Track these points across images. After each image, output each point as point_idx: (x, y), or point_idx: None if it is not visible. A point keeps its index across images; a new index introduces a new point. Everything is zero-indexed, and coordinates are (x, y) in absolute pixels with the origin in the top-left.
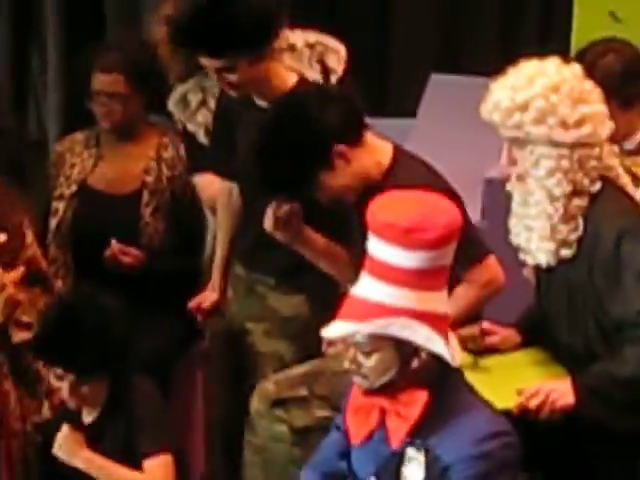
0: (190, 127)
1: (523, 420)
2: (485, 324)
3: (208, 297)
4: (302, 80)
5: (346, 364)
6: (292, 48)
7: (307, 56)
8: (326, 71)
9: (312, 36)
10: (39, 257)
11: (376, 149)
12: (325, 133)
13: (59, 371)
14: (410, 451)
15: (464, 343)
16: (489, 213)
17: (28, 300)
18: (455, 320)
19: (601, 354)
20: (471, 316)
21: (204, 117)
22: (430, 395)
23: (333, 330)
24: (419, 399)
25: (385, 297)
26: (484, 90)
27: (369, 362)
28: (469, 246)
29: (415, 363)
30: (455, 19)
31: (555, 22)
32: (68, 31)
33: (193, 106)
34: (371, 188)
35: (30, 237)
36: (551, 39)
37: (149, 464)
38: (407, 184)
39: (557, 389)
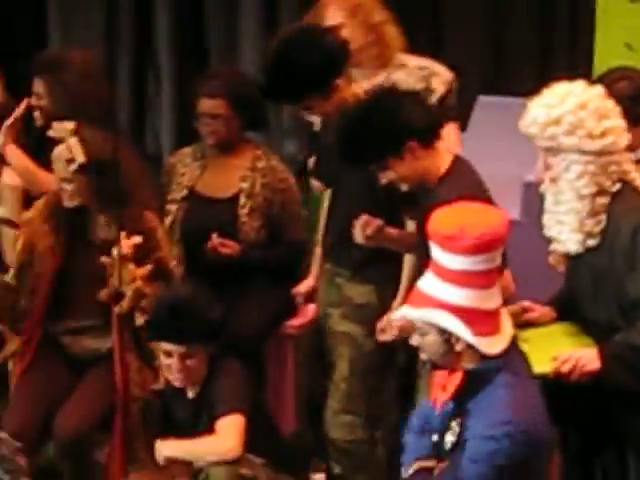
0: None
1: (558, 383)
2: (526, 303)
3: (306, 283)
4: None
5: (413, 341)
6: (404, 66)
7: (416, 74)
8: (427, 89)
9: (424, 61)
10: (169, 258)
11: (440, 156)
12: (404, 127)
13: (169, 347)
14: (454, 423)
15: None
16: (527, 211)
17: (152, 293)
18: None
19: (621, 327)
20: None
21: None
22: (466, 375)
23: (397, 314)
24: (457, 378)
25: (435, 290)
26: (522, 109)
27: (424, 341)
28: None
29: (458, 347)
30: (497, 49)
31: (580, 52)
32: (178, 60)
33: None
34: (425, 189)
35: (164, 241)
36: (577, 66)
37: (219, 424)
38: (454, 193)
39: (585, 356)
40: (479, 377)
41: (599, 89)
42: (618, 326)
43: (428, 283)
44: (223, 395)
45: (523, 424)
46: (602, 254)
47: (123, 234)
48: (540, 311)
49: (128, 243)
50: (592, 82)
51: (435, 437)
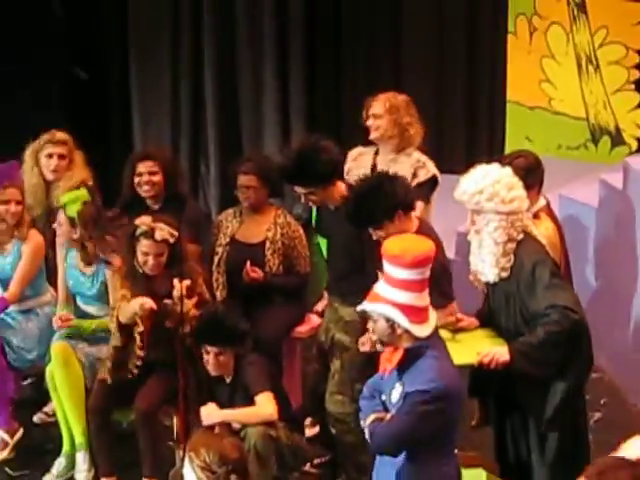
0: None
1: (480, 370)
2: (458, 315)
3: (320, 304)
4: (349, 185)
5: (369, 325)
6: (409, 155)
7: (412, 163)
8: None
9: (423, 157)
10: (205, 292)
11: (412, 222)
12: (395, 200)
13: (207, 348)
14: (397, 384)
15: (446, 327)
16: (459, 252)
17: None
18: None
19: (524, 332)
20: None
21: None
22: (405, 352)
23: (360, 306)
24: (399, 353)
25: (385, 292)
26: (455, 183)
27: (376, 326)
28: (440, 293)
29: (398, 331)
30: (438, 140)
31: (496, 141)
32: (221, 149)
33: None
34: None
35: (201, 282)
36: (493, 151)
37: (258, 399)
38: None
39: (499, 352)
40: (414, 353)
41: (508, 170)
42: (522, 332)
43: (381, 287)
44: (254, 379)
45: (444, 383)
46: (511, 282)
47: (176, 281)
48: (468, 320)
49: (183, 285)
50: (504, 163)
51: (384, 396)
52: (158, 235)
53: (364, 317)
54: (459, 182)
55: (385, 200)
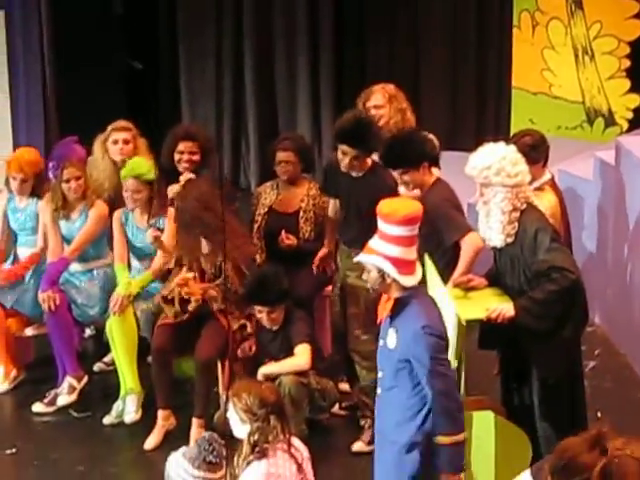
0: None
1: (490, 323)
2: (469, 275)
3: (322, 252)
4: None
5: (363, 275)
6: None
7: None
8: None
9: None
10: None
11: (431, 175)
12: (422, 150)
13: (259, 308)
14: (391, 329)
15: (458, 286)
16: (469, 221)
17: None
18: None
19: (527, 291)
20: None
21: None
22: (396, 301)
23: (356, 258)
24: (391, 302)
25: (379, 247)
26: (465, 159)
27: (369, 275)
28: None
29: (388, 280)
30: (451, 124)
31: (503, 124)
32: (260, 128)
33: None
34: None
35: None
36: (501, 131)
37: (297, 349)
38: (431, 199)
39: (506, 308)
40: (403, 301)
41: (512, 147)
42: (525, 290)
43: (375, 242)
44: (297, 332)
45: (431, 324)
46: (516, 247)
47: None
48: (478, 280)
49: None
50: (509, 142)
51: (381, 341)
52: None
53: None
54: (469, 159)
55: (415, 149)
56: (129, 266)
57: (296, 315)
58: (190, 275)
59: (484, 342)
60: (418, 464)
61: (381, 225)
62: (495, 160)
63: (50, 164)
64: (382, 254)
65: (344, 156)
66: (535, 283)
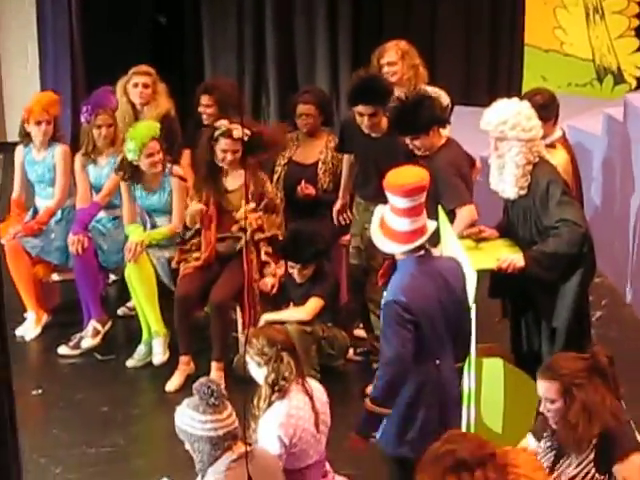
0: None
1: (501, 273)
2: (481, 227)
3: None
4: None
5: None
6: (425, 90)
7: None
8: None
9: (435, 89)
10: (275, 197)
11: (441, 137)
12: (432, 115)
13: (291, 264)
14: (385, 293)
15: (470, 237)
16: (483, 172)
17: (265, 220)
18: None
19: (537, 242)
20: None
21: None
22: (392, 263)
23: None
24: (387, 267)
25: (388, 220)
26: (479, 115)
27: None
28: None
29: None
30: (465, 80)
31: (515, 80)
32: (280, 82)
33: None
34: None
35: (269, 188)
36: (512, 89)
37: (308, 302)
38: (437, 162)
39: (516, 258)
40: (398, 265)
41: (526, 103)
42: (536, 241)
43: (387, 215)
44: (317, 287)
45: (406, 296)
46: (528, 198)
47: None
48: (489, 231)
49: (248, 207)
50: (521, 97)
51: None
52: (236, 134)
53: None
54: (484, 114)
55: (424, 115)
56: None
57: (325, 274)
58: (200, 206)
59: (494, 291)
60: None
61: (389, 197)
62: (511, 115)
63: (84, 108)
64: (390, 230)
65: (362, 117)
66: (546, 235)
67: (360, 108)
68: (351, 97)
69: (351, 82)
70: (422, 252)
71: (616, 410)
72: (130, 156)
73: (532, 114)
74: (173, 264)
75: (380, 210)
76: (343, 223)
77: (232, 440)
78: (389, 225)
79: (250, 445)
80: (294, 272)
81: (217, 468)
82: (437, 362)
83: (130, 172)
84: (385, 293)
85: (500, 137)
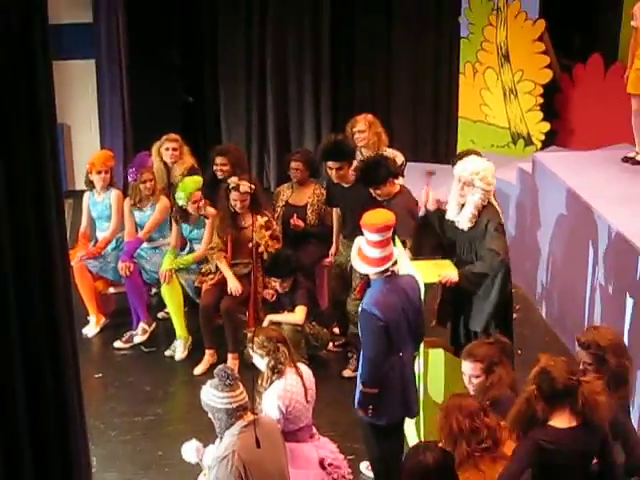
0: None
1: (443, 285)
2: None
3: (332, 248)
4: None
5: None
6: (385, 151)
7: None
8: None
9: (394, 151)
10: (277, 229)
11: (396, 186)
12: (387, 171)
13: (275, 279)
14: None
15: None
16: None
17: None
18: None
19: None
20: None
21: None
22: (367, 281)
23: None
24: (363, 284)
25: (365, 251)
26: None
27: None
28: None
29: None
30: (415, 141)
31: (452, 143)
32: (278, 145)
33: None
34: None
35: (273, 222)
36: (450, 148)
37: (297, 308)
38: (397, 202)
39: (452, 274)
40: (372, 283)
41: (491, 165)
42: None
43: (364, 247)
44: (298, 296)
45: (375, 306)
46: (474, 231)
47: (257, 218)
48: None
49: (261, 221)
50: (456, 155)
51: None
52: (242, 188)
53: None
54: (459, 164)
55: (381, 171)
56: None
57: (300, 284)
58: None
59: (439, 320)
60: None
61: (365, 232)
62: (481, 169)
63: (130, 170)
64: (361, 252)
65: (331, 170)
66: (478, 258)
67: (329, 163)
68: (322, 156)
69: (323, 145)
70: (389, 273)
71: (514, 382)
72: (180, 202)
73: (492, 172)
74: (196, 283)
75: (358, 241)
76: (330, 256)
77: (243, 411)
78: (365, 253)
79: (257, 414)
80: (276, 285)
81: (232, 431)
82: (400, 354)
83: (180, 214)
84: (361, 304)
85: (468, 182)
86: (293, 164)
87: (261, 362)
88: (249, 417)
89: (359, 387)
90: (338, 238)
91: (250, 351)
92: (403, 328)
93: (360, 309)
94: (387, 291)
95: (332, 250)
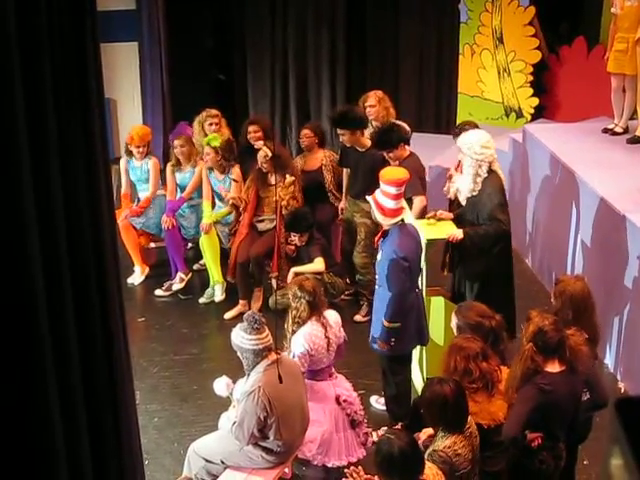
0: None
1: (450, 241)
2: (439, 212)
3: (341, 204)
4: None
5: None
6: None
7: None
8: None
9: (401, 122)
10: (297, 190)
11: (405, 150)
12: (399, 136)
13: (292, 233)
14: (380, 250)
15: (432, 218)
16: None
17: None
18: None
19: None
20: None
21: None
22: (384, 231)
23: (368, 197)
24: (382, 234)
25: (379, 198)
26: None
27: (373, 214)
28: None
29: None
30: (419, 113)
31: (452, 116)
32: (298, 118)
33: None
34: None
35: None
36: (451, 121)
37: (315, 260)
38: (407, 165)
39: (457, 232)
40: (388, 232)
41: (484, 135)
42: (476, 224)
43: (378, 195)
44: (314, 250)
45: (398, 248)
46: (477, 197)
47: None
48: (445, 215)
49: (289, 179)
50: (455, 126)
51: (378, 256)
52: (261, 152)
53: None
54: (459, 138)
55: (394, 136)
56: (213, 205)
57: (315, 239)
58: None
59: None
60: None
61: (382, 185)
62: (472, 141)
63: (170, 137)
64: (379, 204)
65: (342, 136)
66: (482, 223)
67: (338, 130)
68: (331, 124)
69: (333, 113)
70: (401, 222)
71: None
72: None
73: (489, 142)
74: (229, 245)
75: (371, 200)
76: (340, 212)
77: (268, 351)
78: (383, 206)
79: (279, 354)
80: (295, 239)
81: (257, 369)
82: (417, 290)
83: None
84: (383, 253)
85: (464, 153)
86: (303, 131)
87: (292, 306)
88: (272, 357)
89: (379, 327)
90: (347, 196)
91: (285, 296)
92: (417, 266)
93: (387, 257)
94: (404, 236)
95: (341, 205)
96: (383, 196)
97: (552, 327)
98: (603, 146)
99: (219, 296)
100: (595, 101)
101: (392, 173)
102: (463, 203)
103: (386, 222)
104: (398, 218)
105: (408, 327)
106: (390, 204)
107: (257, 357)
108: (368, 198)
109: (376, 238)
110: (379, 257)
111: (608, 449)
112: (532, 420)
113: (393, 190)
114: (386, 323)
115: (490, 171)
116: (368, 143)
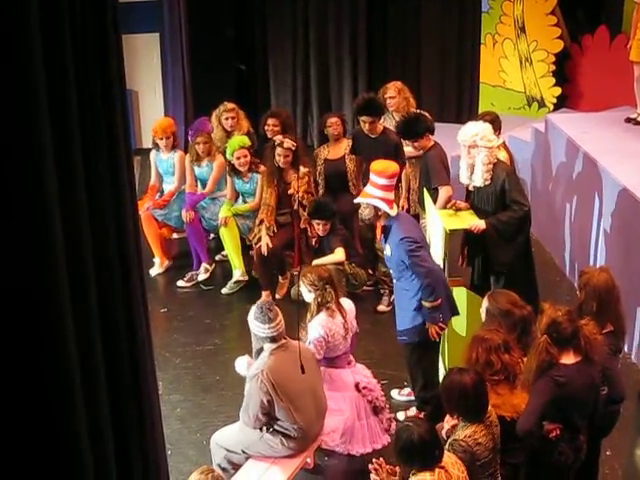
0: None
1: (469, 232)
2: (457, 203)
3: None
4: (385, 128)
5: (360, 211)
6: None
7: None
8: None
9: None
10: (312, 184)
11: (429, 140)
12: (424, 126)
13: (317, 221)
14: (386, 245)
15: (451, 208)
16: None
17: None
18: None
19: (496, 214)
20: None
21: None
22: (385, 225)
23: (355, 200)
24: (380, 228)
25: (373, 192)
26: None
27: (367, 210)
28: (442, 179)
29: (379, 213)
30: (441, 103)
31: (474, 106)
32: (319, 108)
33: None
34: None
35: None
36: (473, 111)
37: (336, 250)
38: (430, 157)
39: (480, 223)
40: (389, 226)
41: (488, 125)
42: (494, 213)
43: (370, 189)
44: (335, 241)
45: (406, 235)
46: (490, 187)
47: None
48: (464, 205)
49: (303, 170)
50: (477, 116)
51: (384, 252)
52: (286, 144)
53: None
54: (460, 130)
55: (420, 126)
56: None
57: (336, 230)
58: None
59: (468, 249)
60: (416, 320)
61: (373, 178)
62: (480, 130)
63: (189, 132)
64: (376, 197)
65: (364, 124)
66: (503, 209)
67: (363, 117)
68: (356, 110)
69: (357, 101)
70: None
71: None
72: (227, 157)
73: (492, 131)
74: (250, 237)
75: (372, 200)
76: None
77: (278, 338)
78: (386, 198)
79: (296, 340)
80: (319, 228)
81: (263, 354)
82: (437, 266)
83: (232, 169)
84: (386, 250)
85: (472, 145)
86: (333, 119)
87: (308, 296)
88: (282, 341)
89: (405, 321)
90: (359, 181)
91: (302, 286)
92: (426, 246)
93: (399, 248)
94: (404, 223)
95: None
96: (378, 189)
97: (565, 318)
98: (626, 136)
99: (239, 277)
100: (618, 90)
101: (385, 165)
102: (474, 192)
103: (393, 212)
104: (396, 209)
105: (443, 299)
106: (388, 195)
107: (272, 342)
108: (370, 200)
109: (377, 238)
110: (387, 253)
111: (634, 440)
112: (549, 413)
113: (389, 182)
114: (428, 304)
115: (496, 160)
116: (381, 128)
